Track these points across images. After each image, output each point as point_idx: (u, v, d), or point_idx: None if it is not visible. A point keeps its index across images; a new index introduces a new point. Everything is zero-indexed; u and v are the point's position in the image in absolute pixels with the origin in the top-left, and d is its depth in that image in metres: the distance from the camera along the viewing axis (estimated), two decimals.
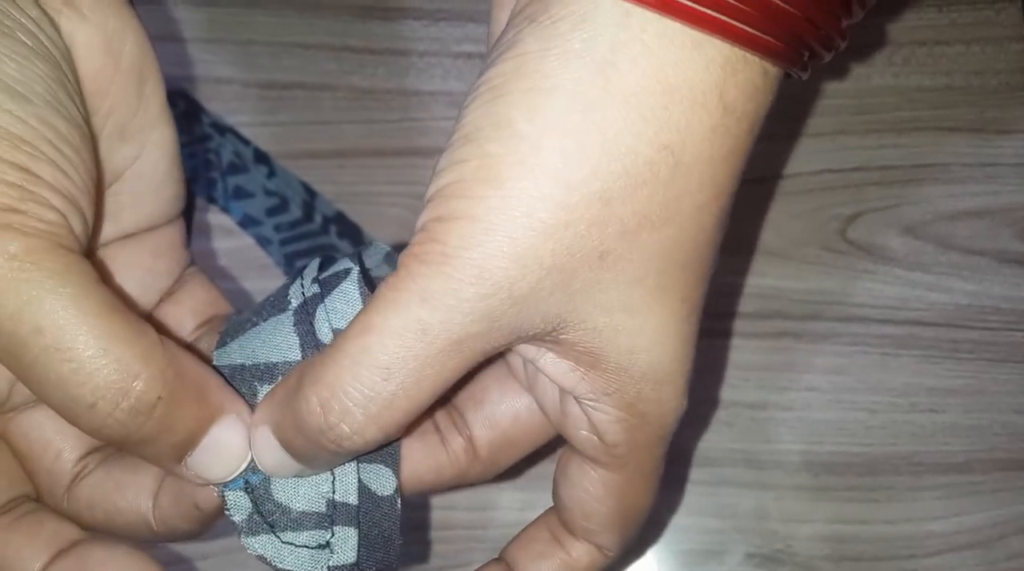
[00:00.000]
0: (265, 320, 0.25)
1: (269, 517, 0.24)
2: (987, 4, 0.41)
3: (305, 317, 0.25)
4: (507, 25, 0.22)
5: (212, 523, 0.25)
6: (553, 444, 0.28)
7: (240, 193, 0.39)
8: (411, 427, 0.25)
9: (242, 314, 0.26)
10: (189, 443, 0.22)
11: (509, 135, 0.21)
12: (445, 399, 0.27)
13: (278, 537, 0.24)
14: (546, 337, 0.23)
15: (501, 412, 0.27)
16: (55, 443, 0.25)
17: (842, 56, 0.39)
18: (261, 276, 0.39)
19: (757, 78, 0.21)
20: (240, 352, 0.25)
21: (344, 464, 0.24)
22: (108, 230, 0.26)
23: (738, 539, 0.37)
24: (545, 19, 0.21)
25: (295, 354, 0.24)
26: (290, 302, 0.25)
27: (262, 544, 0.24)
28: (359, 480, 0.25)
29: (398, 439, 0.25)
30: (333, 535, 0.24)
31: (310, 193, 0.39)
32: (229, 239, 0.39)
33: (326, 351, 0.22)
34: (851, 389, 0.38)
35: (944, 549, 0.36)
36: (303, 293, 0.25)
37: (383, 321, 0.21)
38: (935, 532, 0.36)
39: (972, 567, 0.36)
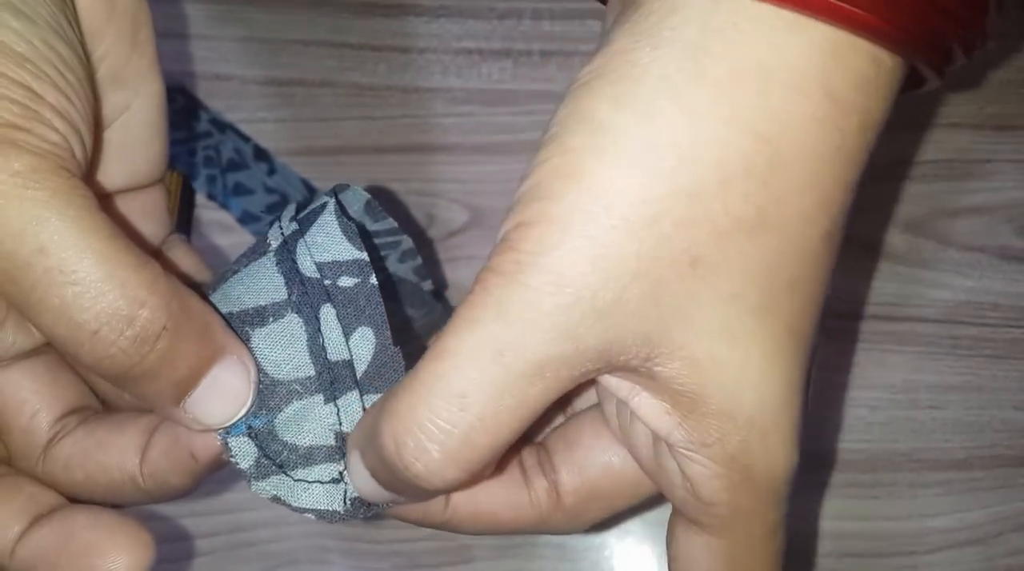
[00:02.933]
0: (246, 266, 0.24)
1: (277, 457, 0.23)
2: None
3: (287, 255, 0.24)
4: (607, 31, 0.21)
5: (206, 477, 0.24)
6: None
7: (240, 190, 0.39)
8: (497, 468, 0.24)
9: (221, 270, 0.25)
10: (191, 381, 0.21)
11: (591, 126, 0.19)
12: (530, 436, 0.25)
13: (289, 476, 0.23)
14: (640, 369, 0.20)
15: (592, 459, 0.25)
16: (32, 403, 0.24)
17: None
18: None
19: (866, 67, 0.20)
20: (225, 300, 0.24)
21: (346, 393, 0.23)
22: (96, 184, 0.25)
23: None
24: (636, 15, 0.20)
25: (282, 293, 0.23)
26: (270, 245, 0.24)
27: (273, 485, 0.23)
28: (364, 409, 0.24)
29: (400, 365, 0.24)
30: (345, 467, 0.23)
31: (310, 190, 0.39)
32: (228, 235, 0.39)
33: (405, 379, 0.21)
34: (851, 386, 0.38)
35: (944, 545, 0.36)
36: (282, 233, 0.24)
37: (458, 343, 0.20)
38: (935, 528, 0.36)
39: (972, 563, 0.36)
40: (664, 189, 0.19)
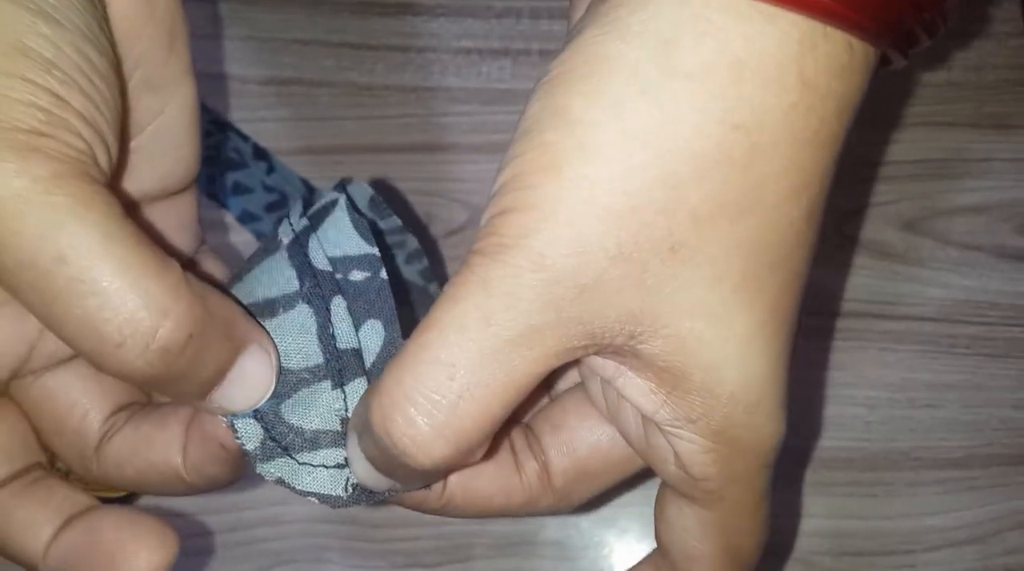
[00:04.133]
0: (259, 263, 0.24)
1: (283, 440, 0.23)
2: None
3: (299, 250, 0.24)
4: (577, 21, 0.21)
5: (243, 464, 0.24)
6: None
7: (239, 189, 0.39)
8: (489, 452, 0.24)
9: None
10: (217, 378, 0.21)
11: (566, 121, 0.20)
12: (517, 418, 0.25)
13: (294, 459, 0.23)
14: (624, 347, 0.21)
15: (579, 439, 0.25)
16: (82, 403, 0.24)
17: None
18: None
19: (841, 54, 0.20)
20: (237, 295, 0.24)
21: (354, 380, 0.23)
22: (131, 190, 0.25)
23: None
24: (605, 7, 0.20)
25: (293, 285, 0.24)
26: (281, 241, 0.24)
27: (278, 467, 0.23)
28: None
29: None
30: None
31: (309, 189, 0.39)
32: (228, 235, 0.39)
33: (393, 357, 0.21)
34: (849, 384, 0.38)
35: (942, 544, 0.36)
36: (293, 230, 0.24)
37: (443, 314, 0.20)
38: (933, 527, 0.36)
39: (970, 562, 0.36)
40: (641, 180, 0.19)
